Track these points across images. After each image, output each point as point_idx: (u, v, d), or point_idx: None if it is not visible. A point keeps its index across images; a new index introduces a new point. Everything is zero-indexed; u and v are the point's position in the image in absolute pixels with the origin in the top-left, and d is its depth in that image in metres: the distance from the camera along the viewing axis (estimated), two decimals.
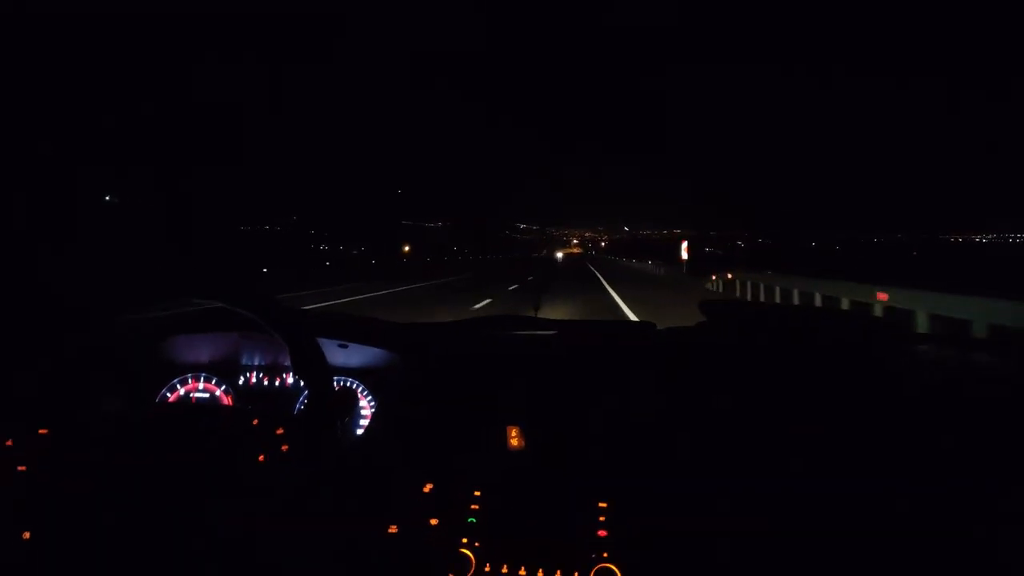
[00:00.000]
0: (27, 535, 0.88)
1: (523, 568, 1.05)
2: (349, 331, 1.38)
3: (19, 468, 0.94)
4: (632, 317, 10.74)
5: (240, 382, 1.48)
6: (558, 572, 1.03)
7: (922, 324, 7.33)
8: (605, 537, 1.05)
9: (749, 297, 14.42)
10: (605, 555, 1.03)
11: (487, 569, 1.05)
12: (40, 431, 0.97)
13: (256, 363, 1.49)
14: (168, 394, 1.45)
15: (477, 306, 13.27)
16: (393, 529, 1.11)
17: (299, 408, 1.42)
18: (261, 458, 0.95)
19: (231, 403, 1.46)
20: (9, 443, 0.96)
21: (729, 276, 17.13)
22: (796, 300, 11.64)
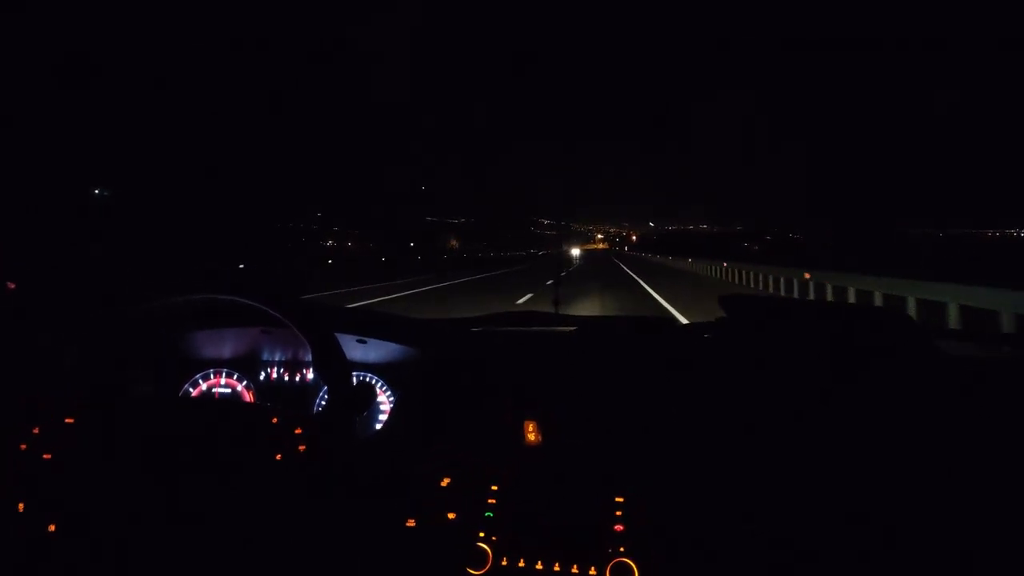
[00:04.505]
0: (52, 527, 0.91)
1: (540, 562, 1.04)
2: (368, 326, 1.39)
3: (44, 456, 0.97)
4: None
5: (261, 377, 1.50)
6: (575, 566, 1.03)
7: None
8: (622, 532, 1.04)
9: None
10: (622, 549, 1.02)
11: (504, 563, 1.05)
12: (66, 420, 1.00)
13: (277, 359, 1.51)
14: (191, 389, 1.48)
15: None
16: (411, 523, 1.11)
17: (319, 404, 1.44)
18: (278, 457, 0.96)
19: (252, 399, 1.48)
20: (36, 431, 0.99)
21: (807, 276, 14.13)
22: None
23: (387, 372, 1.43)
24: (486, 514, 1.10)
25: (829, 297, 12.13)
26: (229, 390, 1.49)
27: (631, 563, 1.00)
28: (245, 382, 1.49)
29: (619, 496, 1.08)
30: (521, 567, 1.05)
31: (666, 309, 12.66)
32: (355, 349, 1.40)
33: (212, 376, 1.49)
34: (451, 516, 1.11)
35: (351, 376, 1.07)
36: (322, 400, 1.44)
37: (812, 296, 13.04)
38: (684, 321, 1.54)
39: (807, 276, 14.13)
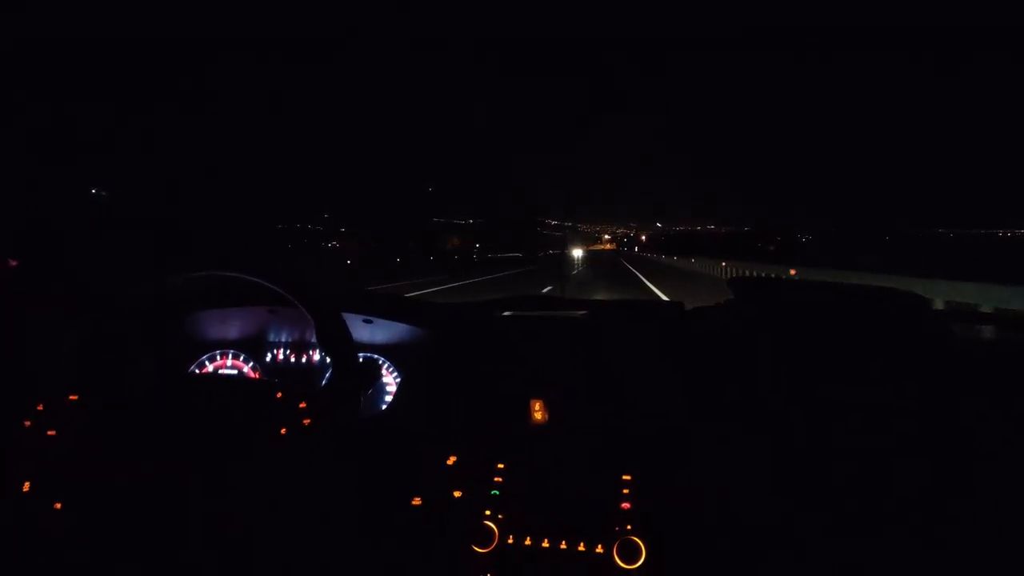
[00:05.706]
0: (57, 504, 0.91)
1: (546, 540, 1.04)
2: (374, 307, 1.39)
3: (49, 433, 0.97)
4: None
5: (267, 358, 1.50)
6: (581, 544, 1.02)
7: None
8: (628, 510, 1.03)
9: None
10: (629, 527, 1.01)
11: (510, 541, 1.05)
12: (70, 397, 1.00)
13: (283, 340, 1.51)
14: (197, 370, 1.48)
15: None
16: (417, 501, 1.11)
17: (324, 384, 1.44)
18: (283, 431, 0.95)
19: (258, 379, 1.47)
20: (40, 407, 0.99)
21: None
22: None
23: (393, 353, 1.43)
24: (492, 492, 1.09)
25: None
26: (235, 371, 1.49)
27: (638, 541, 0.99)
28: (251, 363, 1.49)
29: (626, 474, 1.07)
30: (527, 545, 1.04)
31: None
32: (362, 330, 1.40)
33: (219, 357, 1.49)
34: (457, 494, 1.10)
35: (356, 353, 1.06)
36: (327, 380, 1.44)
37: None
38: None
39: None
